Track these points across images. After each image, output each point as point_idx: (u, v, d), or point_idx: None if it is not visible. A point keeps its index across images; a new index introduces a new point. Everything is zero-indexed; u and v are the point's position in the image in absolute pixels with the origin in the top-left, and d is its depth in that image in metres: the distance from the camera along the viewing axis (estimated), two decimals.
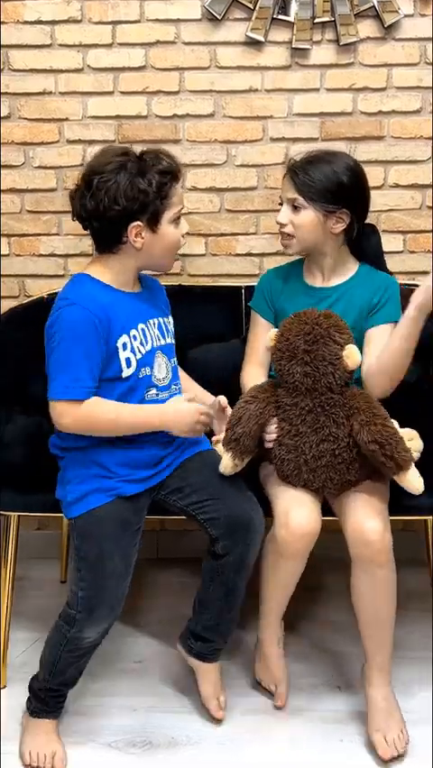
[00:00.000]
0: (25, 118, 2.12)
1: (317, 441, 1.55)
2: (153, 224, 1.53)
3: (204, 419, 1.58)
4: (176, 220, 1.56)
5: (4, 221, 2.18)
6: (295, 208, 1.69)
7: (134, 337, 1.57)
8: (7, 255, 2.20)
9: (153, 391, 1.59)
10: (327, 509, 1.66)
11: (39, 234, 2.18)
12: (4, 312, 2.11)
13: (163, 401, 1.59)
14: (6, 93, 2.10)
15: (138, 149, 1.57)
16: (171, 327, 1.69)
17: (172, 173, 1.54)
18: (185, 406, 1.57)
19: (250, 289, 2.07)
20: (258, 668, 1.77)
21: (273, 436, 1.60)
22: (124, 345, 1.55)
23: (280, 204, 1.73)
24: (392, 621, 1.62)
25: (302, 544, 1.57)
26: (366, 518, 1.56)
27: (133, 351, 1.56)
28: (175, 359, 1.69)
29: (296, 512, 1.57)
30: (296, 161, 1.71)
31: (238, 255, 2.18)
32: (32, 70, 2.09)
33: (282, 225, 1.72)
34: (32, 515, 1.75)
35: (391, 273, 1.81)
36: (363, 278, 1.77)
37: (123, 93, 2.10)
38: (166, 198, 1.53)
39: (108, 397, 1.54)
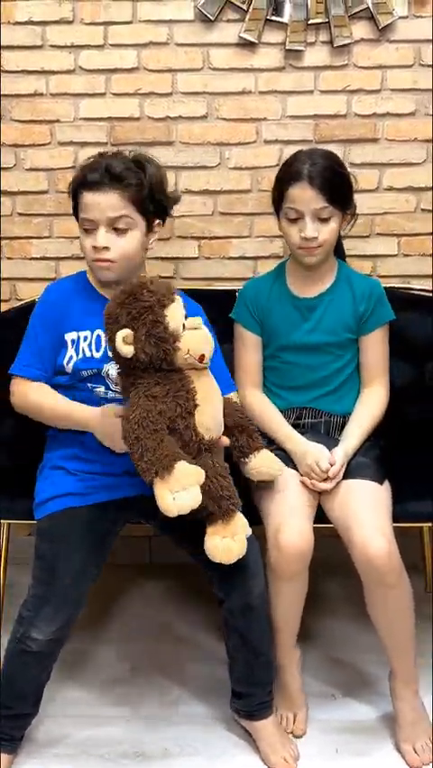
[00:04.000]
0: (17, 120, 2.09)
1: None
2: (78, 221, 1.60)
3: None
4: (85, 228, 1.57)
5: None
6: (322, 220, 1.65)
7: (84, 338, 1.60)
8: None
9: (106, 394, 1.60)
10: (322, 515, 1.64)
11: (30, 237, 2.16)
12: None
13: None
14: None
15: (131, 150, 1.57)
16: None
17: (81, 182, 1.56)
18: (114, 418, 1.45)
19: None
20: (276, 697, 1.64)
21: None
22: (73, 341, 1.60)
23: (295, 219, 1.65)
24: (412, 634, 1.59)
25: (297, 564, 1.54)
26: (371, 537, 1.51)
27: (77, 350, 1.59)
28: None
29: (286, 531, 1.53)
30: (313, 169, 1.63)
31: (232, 258, 2.16)
32: (23, 71, 2.06)
33: (313, 239, 1.64)
34: (20, 521, 1.72)
35: (344, 257, 1.83)
36: (344, 284, 1.76)
37: (115, 94, 2.08)
38: (75, 202, 1.59)
39: (58, 389, 1.61)
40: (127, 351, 1.35)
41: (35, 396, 1.60)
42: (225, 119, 2.09)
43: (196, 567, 1.57)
